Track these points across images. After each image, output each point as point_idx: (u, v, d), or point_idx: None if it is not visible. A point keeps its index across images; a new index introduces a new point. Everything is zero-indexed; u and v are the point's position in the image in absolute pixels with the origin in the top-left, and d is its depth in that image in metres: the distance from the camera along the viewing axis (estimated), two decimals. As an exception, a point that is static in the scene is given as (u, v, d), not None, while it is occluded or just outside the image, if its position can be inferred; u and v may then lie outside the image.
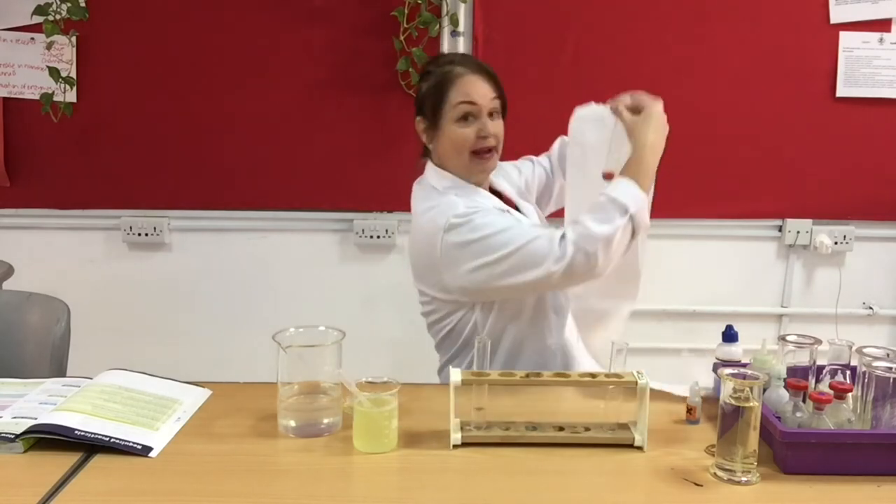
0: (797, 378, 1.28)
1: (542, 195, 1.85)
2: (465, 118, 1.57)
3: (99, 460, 1.22)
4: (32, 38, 2.40)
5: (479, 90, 1.57)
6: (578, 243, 1.43)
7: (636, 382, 1.27)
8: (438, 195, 1.60)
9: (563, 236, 1.45)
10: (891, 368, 1.24)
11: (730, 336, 1.49)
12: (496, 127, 1.59)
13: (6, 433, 1.26)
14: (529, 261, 1.46)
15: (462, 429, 1.30)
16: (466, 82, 1.58)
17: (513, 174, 1.79)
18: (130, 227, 2.54)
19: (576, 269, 1.44)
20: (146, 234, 2.54)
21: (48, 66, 2.34)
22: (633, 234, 1.46)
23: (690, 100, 2.44)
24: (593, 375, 1.34)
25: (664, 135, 1.54)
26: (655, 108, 1.54)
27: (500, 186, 1.72)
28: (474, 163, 1.59)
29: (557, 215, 1.87)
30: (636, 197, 1.45)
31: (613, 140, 1.54)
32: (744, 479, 1.17)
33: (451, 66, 1.60)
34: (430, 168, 1.66)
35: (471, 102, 1.57)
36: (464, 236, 1.51)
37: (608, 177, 1.54)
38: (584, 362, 1.69)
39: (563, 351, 1.67)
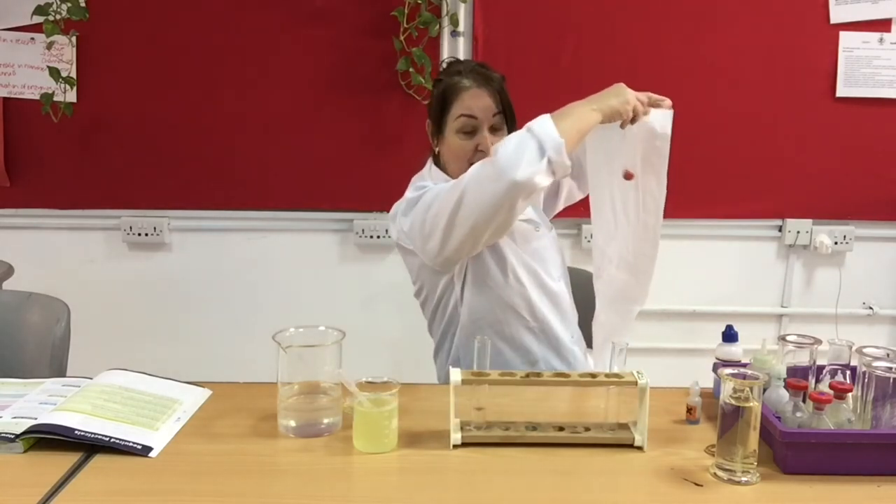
0: (797, 378, 1.28)
1: (548, 198, 1.85)
2: (465, 130, 1.61)
3: (99, 460, 1.23)
4: (32, 38, 2.40)
5: (480, 104, 1.60)
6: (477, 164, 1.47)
7: (636, 382, 1.27)
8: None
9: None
10: (891, 368, 1.24)
11: (730, 336, 1.50)
12: (497, 141, 1.57)
13: (6, 433, 1.26)
14: (444, 189, 1.51)
15: (462, 429, 1.30)
16: (469, 96, 1.60)
17: None
18: (130, 227, 2.54)
19: (480, 175, 1.44)
20: (146, 234, 2.54)
21: (48, 66, 2.34)
22: (550, 162, 1.38)
23: (690, 100, 2.43)
24: (593, 375, 1.34)
25: (615, 98, 1.47)
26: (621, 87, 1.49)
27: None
28: None
29: (565, 216, 1.87)
30: (541, 120, 1.42)
31: (626, 140, 1.54)
32: (744, 479, 1.17)
33: (458, 77, 1.63)
34: (430, 167, 1.70)
35: (471, 116, 1.60)
36: (409, 194, 1.63)
37: (628, 176, 1.55)
38: (570, 346, 1.71)
39: (546, 332, 1.68)
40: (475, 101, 1.60)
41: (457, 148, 1.62)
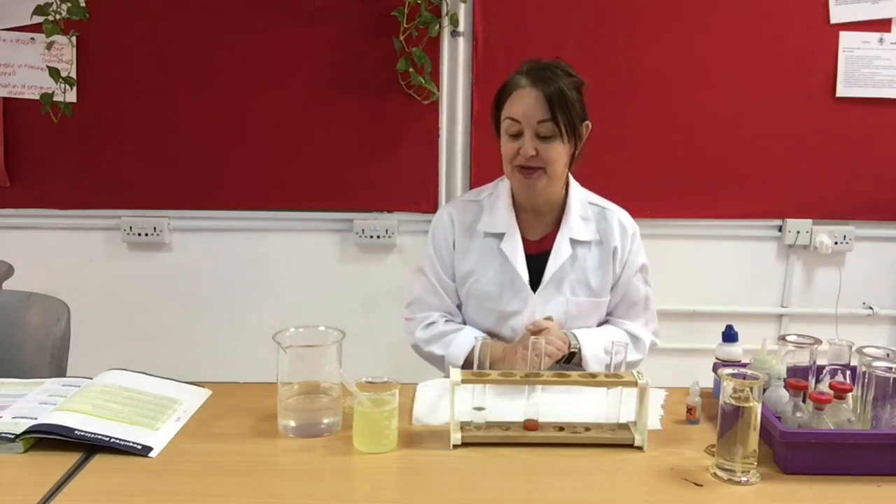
0: (797, 378, 1.28)
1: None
2: (510, 133, 1.57)
3: (99, 460, 1.23)
4: (32, 38, 2.40)
5: (524, 108, 1.53)
6: (414, 334, 1.70)
7: (636, 382, 1.27)
8: (475, 194, 1.75)
9: (411, 319, 1.72)
10: (891, 368, 1.24)
11: (730, 336, 1.50)
12: (543, 150, 1.54)
13: (6, 433, 1.26)
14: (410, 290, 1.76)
15: (462, 429, 1.30)
16: (519, 96, 1.55)
17: (618, 255, 1.67)
18: (130, 227, 2.54)
19: (426, 353, 1.70)
20: (146, 234, 2.54)
21: (48, 66, 2.34)
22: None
23: (690, 100, 2.44)
24: (593, 375, 1.34)
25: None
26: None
27: (568, 231, 1.64)
28: (516, 177, 1.60)
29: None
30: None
31: None
32: (744, 479, 1.17)
33: (519, 75, 1.58)
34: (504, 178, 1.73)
35: (513, 120, 1.55)
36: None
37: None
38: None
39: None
40: (519, 105, 1.54)
41: (504, 149, 1.59)
